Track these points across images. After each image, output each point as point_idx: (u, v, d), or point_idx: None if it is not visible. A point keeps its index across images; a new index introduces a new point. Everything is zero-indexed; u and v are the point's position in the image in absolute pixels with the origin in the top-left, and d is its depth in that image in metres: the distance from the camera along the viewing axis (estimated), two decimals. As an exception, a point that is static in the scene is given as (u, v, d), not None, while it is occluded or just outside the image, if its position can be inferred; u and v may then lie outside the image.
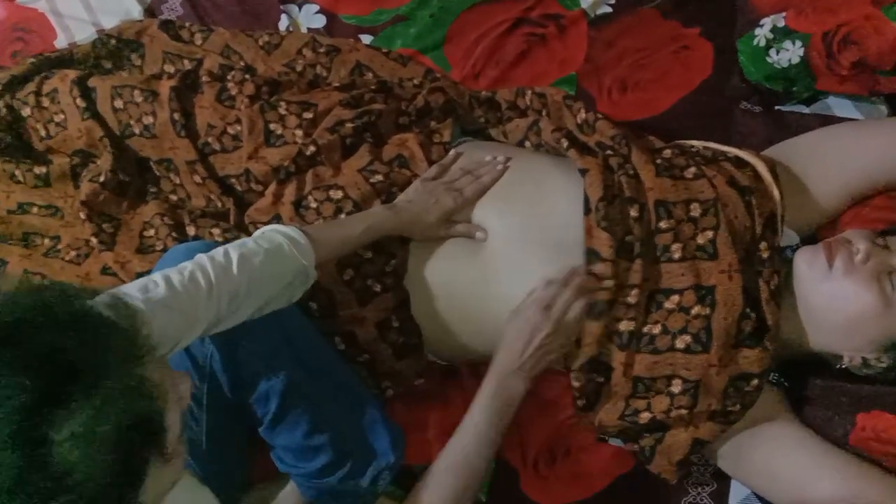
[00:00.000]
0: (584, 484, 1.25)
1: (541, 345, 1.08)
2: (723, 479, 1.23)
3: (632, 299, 1.10)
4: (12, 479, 0.62)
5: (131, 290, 0.87)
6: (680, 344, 1.09)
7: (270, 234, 1.02)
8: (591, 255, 1.11)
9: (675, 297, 1.10)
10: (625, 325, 1.10)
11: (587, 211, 1.12)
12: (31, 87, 1.35)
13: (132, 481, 0.67)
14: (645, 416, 1.12)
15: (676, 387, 1.10)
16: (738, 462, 1.17)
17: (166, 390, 0.70)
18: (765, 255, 1.12)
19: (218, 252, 0.96)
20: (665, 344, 1.10)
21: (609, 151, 1.22)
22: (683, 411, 1.10)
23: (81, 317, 0.68)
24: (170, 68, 1.42)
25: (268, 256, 0.98)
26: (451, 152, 1.26)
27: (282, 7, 1.58)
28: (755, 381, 1.09)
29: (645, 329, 1.11)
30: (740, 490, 1.22)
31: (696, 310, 1.09)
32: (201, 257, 0.95)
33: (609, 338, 1.11)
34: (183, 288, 0.90)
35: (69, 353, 0.65)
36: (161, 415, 0.69)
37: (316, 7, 1.58)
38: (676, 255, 1.11)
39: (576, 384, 1.14)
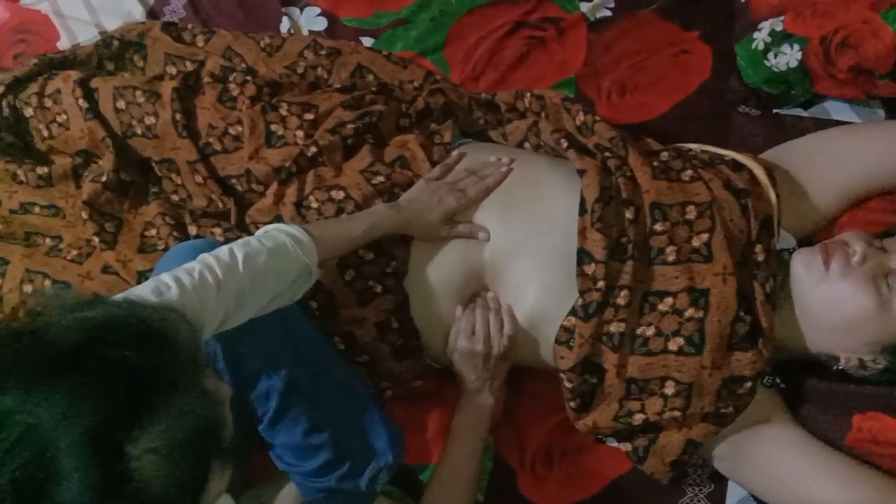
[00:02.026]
0: (582, 485, 1.26)
1: (484, 364, 1.17)
2: (720, 481, 1.23)
3: (621, 301, 1.10)
4: (94, 492, 0.62)
5: (144, 293, 0.87)
6: (673, 346, 1.10)
7: (274, 233, 1.02)
8: (583, 255, 1.11)
9: (669, 300, 1.11)
10: (615, 327, 1.11)
11: (582, 212, 1.13)
12: (33, 87, 1.36)
13: (200, 487, 0.68)
14: (638, 418, 1.13)
15: (670, 388, 1.11)
16: (735, 463, 1.17)
17: (223, 397, 0.72)
18: (760, 258, 1.12)
19: (223, 251, 0.96)
20: (658, 346, 1.10)
21: (607, 153, 1.22)
22: (676, 413, 1.11)
23: (147, 330, 0.69)
24: (172, 70, 1.42)
25: (272, 255, 0.99)
26: (455, 153, 1.26)
27: (283, 9, 1.58)
28: (748, 384, 1.10)
29: (638, 331, 1.11)
30: (737, 491, 1.22)
31: (689, 312, 1.10)
32: (206, 257, 0.95)
33: (600, 339, 1.11)
34: (194, 288, 0.90)
35: (139, 368, 0.66)
36: (224, 421, 0.70)
37: (317, 9, 1.59)
38: (671, 258, 1.12)
39: (568, 385, 1.14)
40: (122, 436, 0.63)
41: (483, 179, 1.20)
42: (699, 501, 1.23)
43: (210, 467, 0.69)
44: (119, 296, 0.85)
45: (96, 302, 0.71)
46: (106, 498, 0.62)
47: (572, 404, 1.16)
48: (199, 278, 0.91)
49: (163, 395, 0.65)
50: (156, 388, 0.65)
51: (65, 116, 1.33)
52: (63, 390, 0.63)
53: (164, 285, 0.89)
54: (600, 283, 1.10)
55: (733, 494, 1.23)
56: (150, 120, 1.30)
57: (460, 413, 1.20)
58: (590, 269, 1.10)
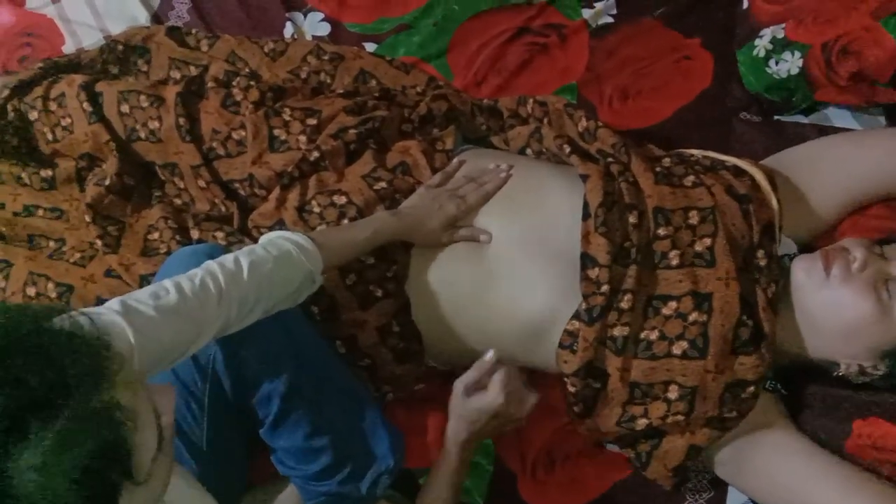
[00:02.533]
0: (583, 489, 1.26)
1: (489, 422, 1.08)
2: (721, 486, 1.23)
3: (625, 305, 1.11)
4: None
5: (142, 297, 0.87)
6: (677, 350, 1.10)
7: (278, 241, 1.02)
8: (587, 260, 1.12)
9: (673, 304, 1.11)
10: (619, 331, 1.11)
11: (586, 216, 1.13)
12: (38, 91, 1.36)
13: None
14: (642, 423, 1.13)
15: (673, 393, 1.11)
16: (736, 468, 1.17)
17: (136, 412, 0.67)
18: (762, 262, 1.13)
19: (228, 259, 0.97)
20: (662, 350, 1.11)
21: (610, 159, 1.23)
22: (680, 417, 1.11)
23: (41, 343, 0.66)
24: (176, 74, 1.43)
25: (277, 263, 0.99)
26: (455, 160, 1.27)
27: (287, 15, 1.59)
28: (751, 389, 1.10)
29: (642, 335, 1.12)
30: (737, 497, 1.22)
31: (693, 316, 1.10)
32: (211, 264, 0.95)
33: (604, 343, 1.12)
34: (194, 295, 0.90)
35: (27, 382, 0.63)
36: (126, 440, 0.66)
37: (321, 15, 1.60)
38: (674, 262, 1.12)
39: (571, 389, 1.14)
40: (2, 451, 0.61)
41: (482, 186, 1.21)
42: (700, 507, 1.24)
43: (115, 488, 0.65)
44: (114, 301, 0.84)
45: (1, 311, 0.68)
46: None
47: (575, 409, 1.16)
48: (200, 285, 0.91)
49: (48, 413, 0.62)
50: (40, 404, 0.62)
51: (69, 120, 1.34)
52: None
53: (163, 290, 0.90)
54: (604, 288, 1.10)
55: (733, 500, 1.23)
56: (153, 124, 1.31)
57: (441, 467, 1.10)
58: (594, 273, 1.11)
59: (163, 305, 0.87)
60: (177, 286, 0.90)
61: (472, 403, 1.08)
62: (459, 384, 1.09)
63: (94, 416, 0.64)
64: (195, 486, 0.95)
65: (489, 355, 1.09)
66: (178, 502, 0.81)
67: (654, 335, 1.11)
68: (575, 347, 1.12)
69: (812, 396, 1.18)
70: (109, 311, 0.83)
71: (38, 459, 0.61)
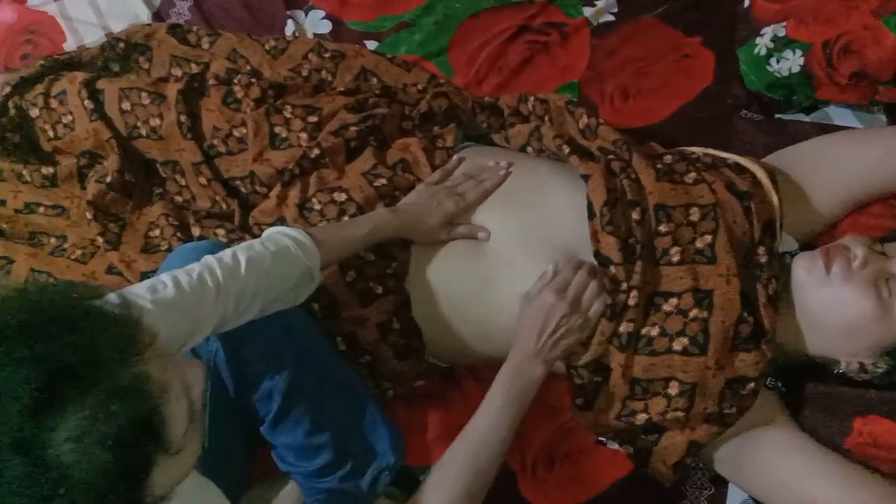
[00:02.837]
0: (583, 487, 1.26)
1: (557, 328, 1.08)
2: (721, 484, 1.23)
3: (631, 301, 1.11)
4: (13, 482, 0.62)
5: (140, 291, 0.88)
6: (677, 346, 1.10)
7: (277, 237, 1.03)
8: (602, 259, 1.12)
9: (674, 300, 1.11)
10: (624, 327, 1.11)
11: (591, 216, 1.13)
12: (39, 88, 1.37)
13: (135, 478, 0.67)
14: (641, 418, 1.13)
15: (673, 389, 1.11)
16: (736, 466, 1.17)
17: (168, 385, 0.69)
18: (763, 259, 1.13)
19: (226, 254, 0.97)
20: (663, 346, 1.11)
21: (611, 156, 1.23)
22: (680, 413, 1.11)
23: (77, 317, 0.67)
24: (177, 72, 1.43)
25: (275, 259, 0.99)
26: (454, 157, 1.27)
27: (288, 12, 1.59)
28: (751, 385, 1.10)
29: (643, 331, 1.12)
30: (738, 494, 1.22)
31: (693, 313, 1.10)
32: (209, 259, 0.95)
33: (609, 339, 1.12)
34: (191, 289, 0.90)
35: (64, 355, 0.64)
36: (159, 412, 0.68)
37: (322, 13, 1.60)
38: (675, 259, 1.12)
39: (577, 382, 1.14)
40: (41, 423, 0.63)
41: (481, 183, 1.21)
42: (700, 504, 1.24)
43: (149, 458, 0.67)
44: (112, 295, 0.85)
45: (23, 287, 0.70)
46: (30, 484, 0.62)
47: (577, 401, 1.16)
48: (197, 279, 0.91)
49: (85, 384, 0.64)
50: (77, 375, 0.64)
51: (70, 117, 1.34)
52: None
53: (160, 283, 0.90)
54: (623, 285, 1.10)
55: (733, 497, 1.23)
56: (155, 121, 1.31)
57: (505, 375, 1.07)
58: (611, 271, 1.11)
59: (160, 299, 0.87)
60: (174, 280, 0.90)
61: (532, 305, 1.08)
62: (524, 296, 1.10)
63: (128, 388, 0.66)
64: (207, 484, 0.96)
65: (550, 267, 1.10)
66: (186, 492, 0.81)
67: (654, 331, 1.11)
68: (586, 340, 1.12)
69: (812, 394, 1.18)
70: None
71: (74, 431, 0.63)
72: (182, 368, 0.74)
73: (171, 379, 0.70)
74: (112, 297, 0.84)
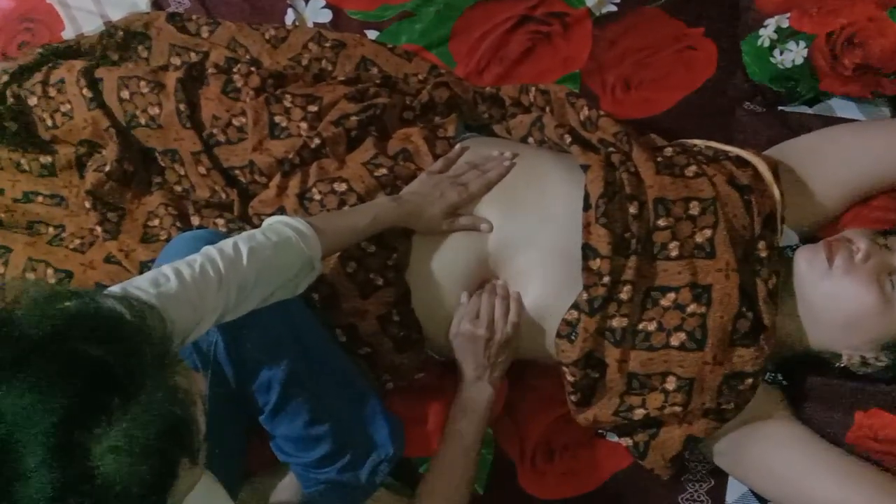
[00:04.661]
0: (582, 479, 1.26)
1: (485, 351, 1.16)
2: (720, 476, 1.23)
3: (624, 296, 1.10)
4: (52, 494, 0.61)
5: (143, 284, 0.87)
6: (675, 341, 1.10)
7: (278, 227, 1.02)
8: (588, 251, 1.11)
9: (672, 295, 1.11)
10: (618, 322, 1.11)
11: (587, 207, 1.12)
12: (38, 76, 1.36)
13: (165, 486, 0.67)
14: (639, 413, 1.13)
15: (671, 384, 1.11)
16: (735, 459, 1.17)
17: (194, 394, 0.70)
18: (763, 254, 1.12)
19: (227, 245, 0.96)
20: (660, 341, 1.10)
21: (611, 149, 1.22)
22: (677, 408, 1.11)
23: (114, 326, 0.68)
24: (176, 60, 1.42)
25: (276, 249, 0.99)
26: (457, 146, 1.26)
27: (288, 1, 1.58)
28: (750, 380, 1.10)
29: (640, 326, 1.11)
30: (737, 487, 1.22)
31: (691, 308, 1.09)
32: (210, 249, 0.95)
33: (602, 334, 1.11)
34: (193, 281, 0.90)
35: (104, 365, 0.64)
36: (193, 419, 0.69)
37: (322, 2, 1.59)
38: (674, 253, 1.12)
39: (570, 379, 1.14)
40: (85, 433, 0.62)
41: (485, 173, 1.20)
42: (699, 497, 1.23)
43: (177, 467, 0.67)
44: (115, 287, 0.85)
45: (68, 294, 0.69)
46: (67, 495, 0.61)
47: (573, 398, 1.16)
48: (199, 271, 0.91)
49: (128, 393, 0.64)
50: (121, 385, 0.64)
51: (69, 106, 1.33)
52: (27, 383, 0.62)
53: (163, 276, 0.89)
54: (606, 279, 1.10)
55: (733, 490, 1.23)
56: (154, 110, 1.30)
57: (458, 403, 1.18)
58: (595, 264, 1.10)
59: (163, 292, 0.87)
60: (176, 272, 0.90)
61: (457, 340, 1.18)
62: (451, 334, 1.19)
63: (166, 399, 0.66)
64: (211, 482, 0.96)
65: (462, 297, 1.18)
66: (198, 497, 0.81)
67: (652, 326, 1.11)
68: (573, 337, 1.12)
69: (813, 387, 1.18)
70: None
71: (118, 440, 0.63)
72: (198, 379, 0.74)
73: (194, 389, 0.71)
74: (114, 290, 0.84)
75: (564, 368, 1.14)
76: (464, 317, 1.16)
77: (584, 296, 1.11)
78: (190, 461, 0.69)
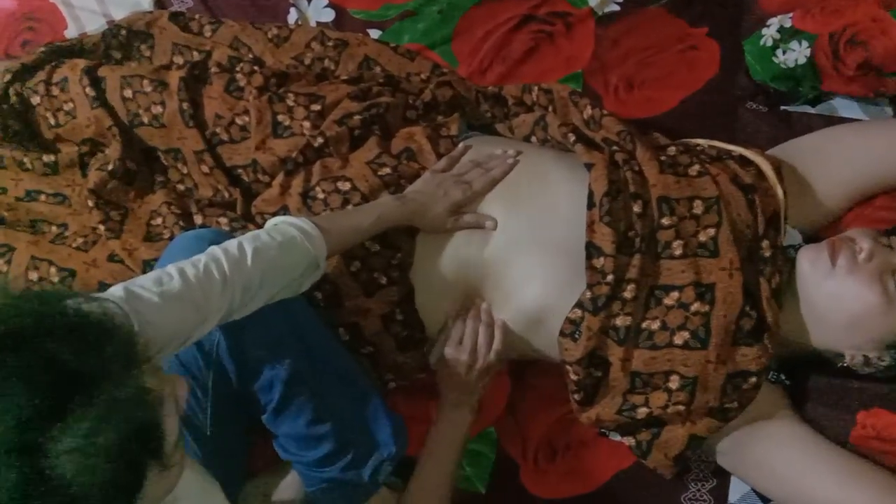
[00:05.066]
0: (584, 478, 1.26)
1: (466, 378, 1.18)
2: (723, 476, 1.23)
3: (628, 294, 1.10)
4: (11, 492, 0.61)
5: (146, 283, 0.87)
6: (678, 340, 1.10)
7: (283, 227, 1.02)
8: (592, 249, 1.11)
9: (675, 294, 1.10)
10: (621, 321, 1.11)
11: (591, 205, 1.12)
12: (41, 76, 1.36)
13: (130, 490, 0.66)
14: (642, 412, 1.13)
15: (674, 383, 1.11)
16: (738, 458, 1.17)
17: (163, 397, 0.69)
18: (766, 253, 1.12)
19: (232, 244, 0.96)
20: (663, 340, 1.10)
21: (615, 147, 1.22)
22: (681, 407, 1.10)
23: (78, 325, 0.66)
24: (179, 59, 1.42)
25: (281, 249, 0.99)
26: (461, 145, 1.26)
27: (291, 1, 1.58)
28: (753, 379, 1.10)
29: (644, 325, 1.11)
30: (740, 487, 1.22)
31: (695, 306, 1.09)
32: (214, 250, 0.94)
33: (606, 332, 1.11)
34: (197, 281, 0.89)
35: (66, 364, 0.63)
36: (159, 423, 0.67)
37: (325, 1, 1.59)
38: (678, 252, 1.12)
39: (573, 378, 1.14)
40: (42, 432, 0.61)
41: (489, 171, 1.20)
42: (701, 496, 1.23)
43: (144, 471, 0.66)
44: (117, 286, 0.84)
45: (32, 295, 0.69)
46: (26, 496, 0.61)
47: (576, 396, 1.16)
48: (203, 271, 0.91)
49: (87, 395, 0.63)
50: (80, 386, 0.63)
51: (72, 105, 1.33)
52: None
53: (167, 276, 0.89)
54: (609, 277, 1.10)
55: (736, 490, 1.23)
56: (157, 109, 1.30)
57: (437, 428, 1.20)
58: (599, 262, 1.10)
59: (167, 292, 0.86)
60: (180, 272, 0.89)
61: (440, 366, 1.20)
62: (433, 359, 1.21)
63: (130, 400, 0.65)
64: (201, 473, 0.95)
65: (449, 322, 1.19)
66: (186, 490, 0.81)
67: (655, 325, 1.11)
68: (577, 336, 1.12)
69: (816, 387, 1.18)
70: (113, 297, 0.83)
71: (77, 442, 0.62)
72: (172, 381, 0.73)
73: (165, 391, 0.70)
74: (117, 289, 0.84)
75: (567, 367, 1.14)
76: (447, 342, 1.18)
77: (588, 294, 1.11)
78: (159, 466, 0.67)
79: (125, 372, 0.66)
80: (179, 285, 0.88)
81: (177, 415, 0.71)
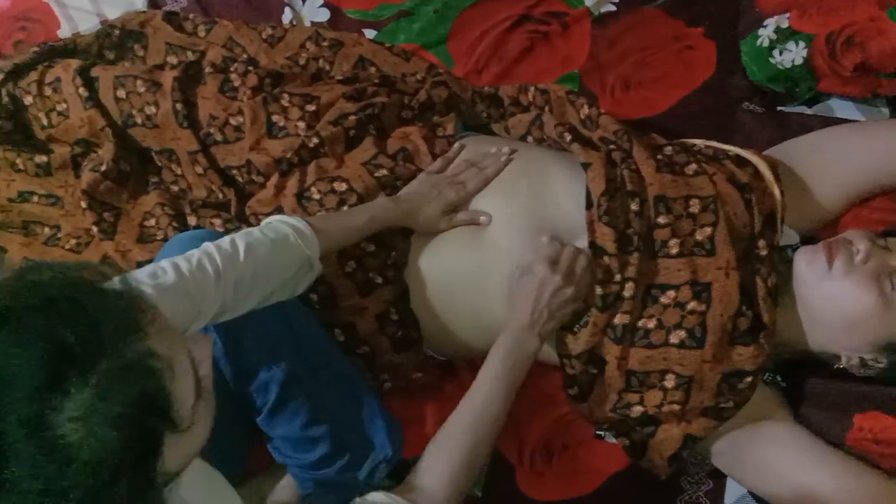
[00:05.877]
0: (581, 481, 1.25)
1: (550, 300, 1.08)
2: (719, 478, 1.23)
3: (627, 292, 1.10)
4: (22, 464, 0.61)
5: (141, 276, 0.88)
6: (674, 339, 1.10)
7: (276, 225, 1.02)
8: (596, 249, 1.11)
9: (672, 293, 1.10)
10: (619, 319, 1.10)
11: (589, 205, 1.12)
12: (33, 75, 1.35)
13: (145, 456, 0.66)
14: (637, 410, 1.12)
15: (669, 382, 1.10)
16: (733, 460, 1.17)
17: (173, 360, 0.68)
18: (763, 253, 1.12)
19: (224, 241, 0.97)
20: (659, 339, 1.10)
21: (612, 146, 1.22)
22: (676, 406, 1.10)
23: (75, 297, 0.66)
24: (173, 59, 1.42)
25: (274, 246, 0.99)
26: (456, 145, 1.26)
27: (285, 0, 1.58)
28: (749, 379, 1.09)
29: (640, 323, 1.11)
30: (736, 489, 1.22)
31: (691, 305, 1.09)
32: (208, 245, 0.95)
33: (604, 331, 1.11)
34: (191, 275, 0.90)
35: (63, 335, 0.63)
36: (165, 388, 0.66)
37: (320, 1, 1.58)
38: (674, 251, 1.11)
39: (570, 372, 1.14)
40: (44, 404, 0.62)
41: (482, 170, 1.20)
42: (698, 499, 1.23)
43: (157, 436, 0.66)
44: (113, 280, 0.84)
45: (29, 270, 0.68)
46: (38, 465, 0.61)
47: (571, 391, 1.16)
48: (197, 265, 0.91)
49: (85, 364, 0.63)
50: (78, 356, 0.63)
51: (64, 105, 1.33)
52: None
53: (160, 269, 0.90)
54: (617, 276, 1.10)
55: (731, 492, 1.22)
56: (150, 109, 1.30)
57: (500, 348, 1.06)
58: (604, 262, 1.10)
59: (161, 284, 0.87)
60: (174, 266, 0.90)
61: (525, 277, 1.09)
62: (516, 267, 1.11)
63: (132, 366, 0.65)
64: (209, 470, 0.95)
65: (544, 238, 1.11)
66: (196, 484, 0.80)
67: (651, 324, 1.11)
68: (576, 330, 1.11)
69: (812, 389, 1.17)
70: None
71: (79, 411, 0.62)
72: (188, 343, 0.72)
73: (176, 354, 0.69)
74: (112, 282, 0.84)
75: (565, 361, 1.14)
76: (541, 259, 1.09)
77: (599, 290, 1.10)
78: (174, 430, 0.67)
79: (124, 339, 0.66)
80: (173, 278, 0.89)
81: (194, 375, 0.71)
